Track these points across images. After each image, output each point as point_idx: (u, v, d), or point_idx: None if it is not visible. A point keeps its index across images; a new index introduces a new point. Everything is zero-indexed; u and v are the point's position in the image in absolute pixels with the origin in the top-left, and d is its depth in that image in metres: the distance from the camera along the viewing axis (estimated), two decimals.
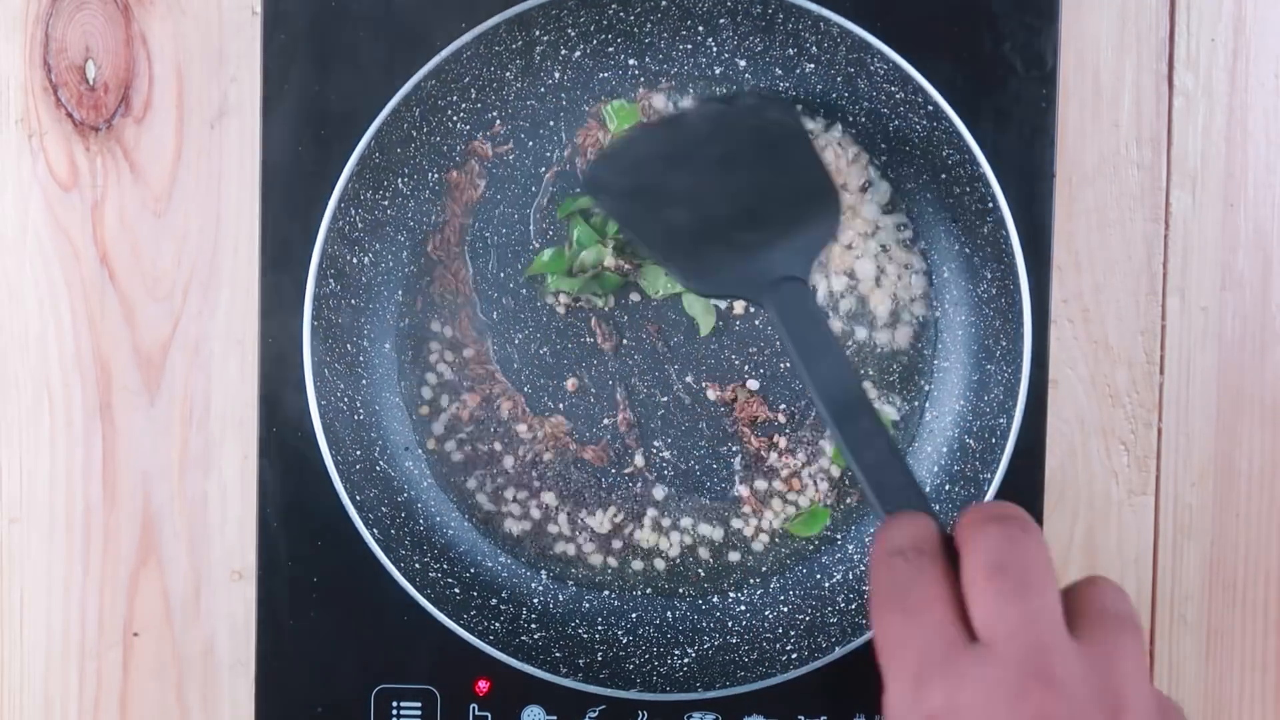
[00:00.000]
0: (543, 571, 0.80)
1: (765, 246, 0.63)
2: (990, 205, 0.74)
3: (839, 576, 0.79)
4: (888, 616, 0.52)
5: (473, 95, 0.78)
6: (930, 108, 0.74)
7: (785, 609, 0.79)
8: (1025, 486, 0.79)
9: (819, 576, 0.80)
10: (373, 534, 0.74)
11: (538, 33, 0.77)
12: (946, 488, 0.78)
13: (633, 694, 0.75)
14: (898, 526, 0.54)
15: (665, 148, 0.70)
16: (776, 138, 0.70)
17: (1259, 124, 0.82)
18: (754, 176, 0.67)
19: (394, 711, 0.80)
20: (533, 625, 0.78)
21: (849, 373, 0.59)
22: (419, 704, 0.79)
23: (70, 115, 0.81)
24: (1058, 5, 0.79)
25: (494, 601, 0.78)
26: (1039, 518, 0.79)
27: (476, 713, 0.80)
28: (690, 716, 0.80)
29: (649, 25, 0.78)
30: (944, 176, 0.77)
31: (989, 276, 0.76)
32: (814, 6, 0.74)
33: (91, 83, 0.81)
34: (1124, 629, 0.53)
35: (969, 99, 0.78)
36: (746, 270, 0.63)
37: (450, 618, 0.74)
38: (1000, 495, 0.74)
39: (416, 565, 0.76)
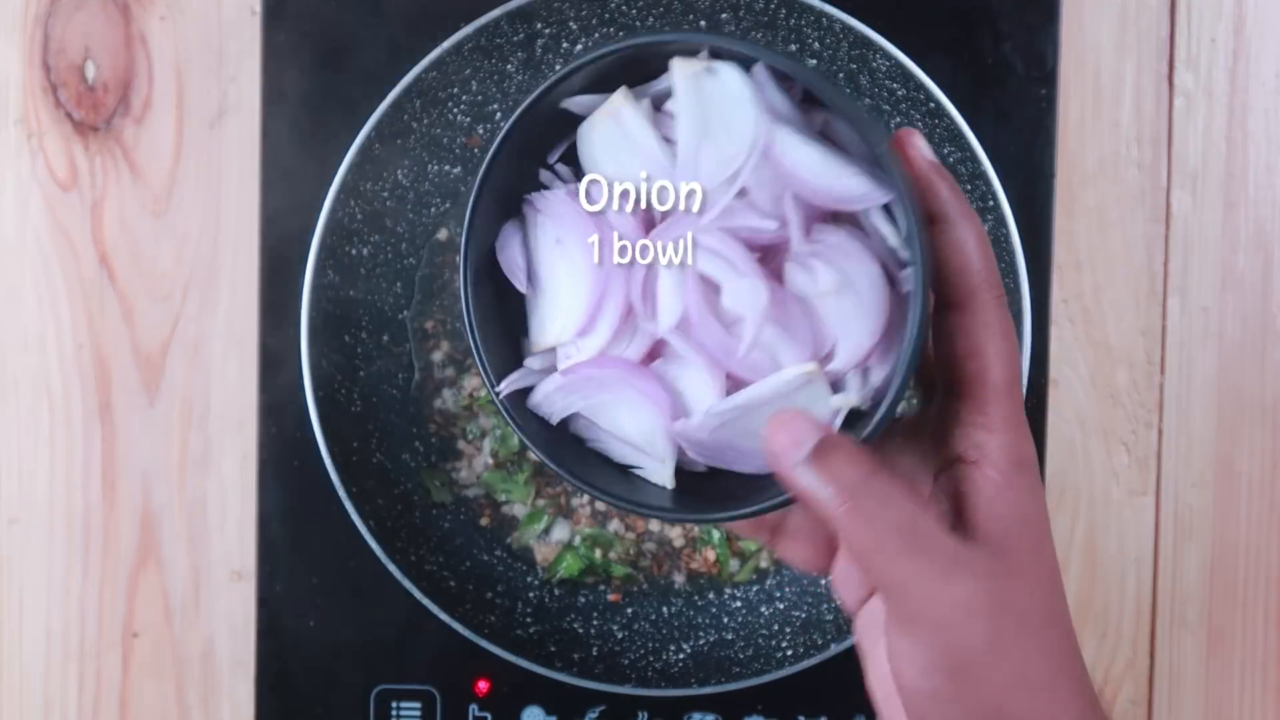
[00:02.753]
0: (538, 565, 0.80)
1: None
2: (991, 203, 0.74)
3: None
4: None
5: (474, 88, 0.78)
6: (931, 105, 0.74)
7: (781, 605, 0.79)
8: None
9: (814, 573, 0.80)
10: (368, 526, 0.74)
11: (539, 25, 0.77)
12: None
13: (629, 689, 0.75)
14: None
15: None
16: None
17: (1259, 124, 0.82)
18: None
19: (394, 711, 0.79)
20: (528, 619, 0.78)
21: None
22: (419, 704, 0.79)
23: (70, 115, 0.81)
24: (1058, 5, 0.79)
25: (489, 595, 0.78)
26: None
27: (476, 713, 0.79)
28: (690, 716, 0.79)
29: (651, 19, 0.78)
30: None
31: None
32: (816, 2, 0.74)
33: (91, 83, 0.81)
34: None
35: (970, 98, 0.78)
36: None
37: (444, 610, 0.74)
38: None
39: (412, 558, 0.76)
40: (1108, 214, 0.81)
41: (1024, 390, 0.72)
